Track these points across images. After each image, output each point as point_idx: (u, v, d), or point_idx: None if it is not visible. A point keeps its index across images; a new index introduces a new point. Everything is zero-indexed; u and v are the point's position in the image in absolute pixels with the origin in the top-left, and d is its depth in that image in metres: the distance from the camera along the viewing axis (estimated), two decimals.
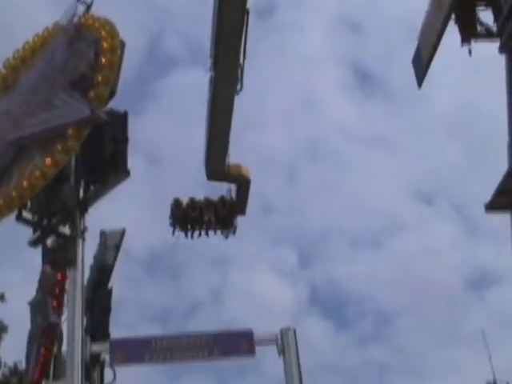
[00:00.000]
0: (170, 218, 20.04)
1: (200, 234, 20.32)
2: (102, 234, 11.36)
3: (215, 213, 20.06)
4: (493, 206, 19.05)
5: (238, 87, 15.84)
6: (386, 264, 64.32)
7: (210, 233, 20.48)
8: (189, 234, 20.38)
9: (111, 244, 11.20)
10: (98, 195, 10.34)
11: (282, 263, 66.35)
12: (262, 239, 70.94)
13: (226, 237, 20.58)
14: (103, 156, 10.34)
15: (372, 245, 73.24)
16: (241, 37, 15.04)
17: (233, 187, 20.26)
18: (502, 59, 20.65)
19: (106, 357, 10.34)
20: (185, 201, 20.43)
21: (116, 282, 11.80)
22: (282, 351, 10.14)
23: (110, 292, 11.68)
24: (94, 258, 11.43)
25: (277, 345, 10.11)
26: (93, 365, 10.47)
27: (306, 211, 68.14)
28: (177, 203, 20.04)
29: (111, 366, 10.14)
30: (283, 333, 10.08)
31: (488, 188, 19.30)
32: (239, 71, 15.69)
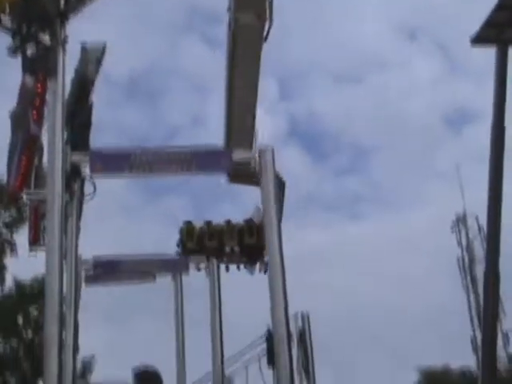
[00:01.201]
0: (178, 245, 15.11)
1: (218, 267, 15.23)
2: (83, 46, 11.16)
3: (240, 241, 15.09)
4: (479, 38, 18.78)
5: None
6: (366, 100, 64.49)
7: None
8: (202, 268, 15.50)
9: (92, 57, 11.03)
10: (79, 3, 10.02)
11: (263, 93, 65.98)
12: None
13: (252, 273, 15.23)
14: None
15: (352, 80, 72.95)
16: None
17: None
18: None
19: (87, 170, 10.48)
20: (198, 224, 15.34)
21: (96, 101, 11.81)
22: (260, 171, 10.23)
23: (90, 106, 11.66)
24: (75, 71, 11.31)
25: (254, 164, 10.20)
26: (73, 177, 10.62)
27: (290, 45, 67.22)
28: (188, 229, 15.12)
29: (91, 176, 10.37)
30: (261, 151, 10.17)
31: (474, 25, 19.00)
32: None
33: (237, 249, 14.76)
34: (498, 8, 18.04)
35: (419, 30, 71.18)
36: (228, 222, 14.97)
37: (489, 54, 20.07)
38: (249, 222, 14.81)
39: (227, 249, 14.79)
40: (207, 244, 14.71)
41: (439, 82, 60.76)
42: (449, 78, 65.79)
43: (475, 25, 18.77)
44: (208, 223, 14.95)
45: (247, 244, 14.72)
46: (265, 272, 13.83)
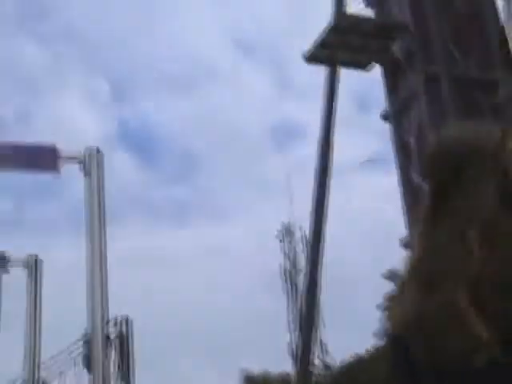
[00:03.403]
0: None
1: None
2: None
3: None
4: (313, 57, 19.49)
5: None
6: (197, 108, 64.95)
7: None
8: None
9: None
10: None
11: (95, 94, 65.13)
12: (75, 68, 68.99)
13: None
14: None
15: (185, 89, 73.24)
16: None
17: None
18: None
19: None
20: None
21: None
22: (87, 170, 10.03)
23: None
24: None
25: (82, 163, 9.99)
26: None
27: (123, 46, 66.66)
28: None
29: None
30: (89, 152, 9.98)
31: (306, 45, 19.69)
32: None
33: None
34: (331, 30, 18.82)
35: (254, 44, 73.12)
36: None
37: (317, 71, 20.98)
38: None
39: None
40: None
41: (269, 96, 62.73)
42: (278, 94, 67.84)
43: (308, 43, 19.50)
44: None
45: None
46: None
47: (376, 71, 20.44)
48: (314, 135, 20.65)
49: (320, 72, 20.27)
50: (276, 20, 65.47)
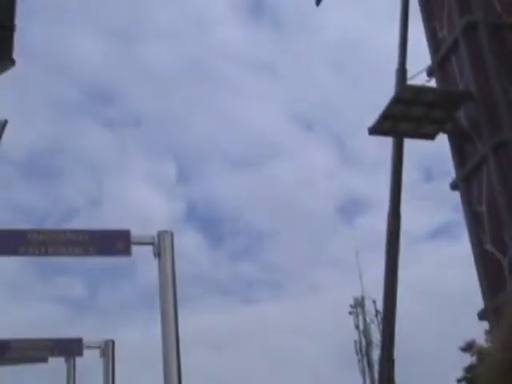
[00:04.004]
0: None
1: None
2: None
3: None
4: (376, 129, 19.55)
5: None
6: (262, 186, 65.54)
7: None
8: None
9: None
10: None
11: (161, 176, 66.56)
12: (140, 150, 70.86)
13: None
14: None
15: (249, 167, 74.14)
16: None
17: None
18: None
19: None
20: None
21: None
22: (159, 253, 10.19)
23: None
24: None
25: (153, 246, 10.14)
26: None
27: (188, 128, 68.32)
28: None
29: None
30: (160, 235, 10.14)
31: (366, 119, 19.84)
32: None
33: None
34: (394, 102, 18.90)
35: (315, 120, 74.00)
36: None
37: (381, 144, 21.02)
38: None
39: None
40: None
41: (333, 171, 63.11)
42: (342, 168, 68.15)
43: (366, 118, 19.64)
44: None
45: None
46: None
47: (439, 140, 20.36)
48: (380, 206, 20.51)
49: (381, 143, 20.26)
50: (335, 94, 66.28)
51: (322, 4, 24.05)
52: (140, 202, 61.64)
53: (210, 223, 72.42)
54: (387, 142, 20.85)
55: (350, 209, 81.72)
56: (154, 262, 10.61)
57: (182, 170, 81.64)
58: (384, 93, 19.95)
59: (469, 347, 25.79)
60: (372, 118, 19.46)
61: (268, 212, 65.87)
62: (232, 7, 76.11)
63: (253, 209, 69.42)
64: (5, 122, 11.01)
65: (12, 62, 10.19)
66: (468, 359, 25.70)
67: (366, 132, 19.63)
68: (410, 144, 20.88)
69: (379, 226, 20.46)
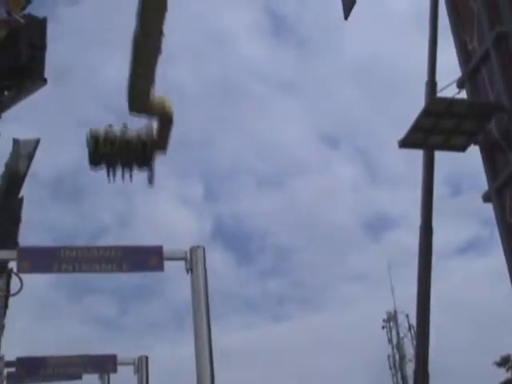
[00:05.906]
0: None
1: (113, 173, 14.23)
2: (16, 142, 11.07)
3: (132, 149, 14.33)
4: (406, 142, 19.44)
5: None
6: (288, 203, 65.60)
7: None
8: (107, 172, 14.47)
9: (24, 153, 10.95)
10: (12, 101, 10.04)
11: (189, 195, 66.90)
12: (168, 169, 71.22)
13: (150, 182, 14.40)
14: (19, 62, 9.98)
15: (276, 184, 74.33)
16: None
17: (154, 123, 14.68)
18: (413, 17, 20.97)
19: (14, 266, 10.26)
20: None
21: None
22: (191, 268, 10.25)
23: (20, 201, 11.48)
24: (6, 165, 11.22)
25: (185, 261, 10.22)
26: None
27: (214, 147, 68.66)
28: (93, 135, 14.13)
29: (18, 274, 10.11)
30: (193, 250, 10.22)
31: (390, 135, 19.76)
32: None
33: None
34: (424, 114, 18.78)
35: (340, 137, 74.06)
36: (124, 133, 13.95)
37: (408, 160, 20.87)
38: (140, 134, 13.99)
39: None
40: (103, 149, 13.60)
41: (359, 187, 63.00)
42: (368, 183, 68.07)
43: (390, 135, 19.49)
44: (107, 132, 13.75)
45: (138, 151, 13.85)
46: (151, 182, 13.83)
47: (466, 155, 20.16)
48: (406, 222, 20.43)
49: (408, 157, 20.11)
50: (357, 109, 66.18)
51: (347, 19, 23.98)
52: (169, 221, 61.98)
53: (238, 240, 72.64)
54: (413, 157, 20.73)
55: (377, 224, 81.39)
56: (184, 279, 10.67)
57: (210, 189, 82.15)
58: (410, 109, 19.83)
59: (504, 362, 25.44)
60: (398, 133, 19.38)
61: (295, 228, 65.90)
62: (255, 26, 76.62)
63: (280, 225, 69.49)
64: (37, 141, 11.09)
65: (44, 81, 10.30)
66: (504, 374, 25.39)
67: (394, 147, 19.54)
68: (436, 160, 20.75)
69: (405, 241, 20.37)
